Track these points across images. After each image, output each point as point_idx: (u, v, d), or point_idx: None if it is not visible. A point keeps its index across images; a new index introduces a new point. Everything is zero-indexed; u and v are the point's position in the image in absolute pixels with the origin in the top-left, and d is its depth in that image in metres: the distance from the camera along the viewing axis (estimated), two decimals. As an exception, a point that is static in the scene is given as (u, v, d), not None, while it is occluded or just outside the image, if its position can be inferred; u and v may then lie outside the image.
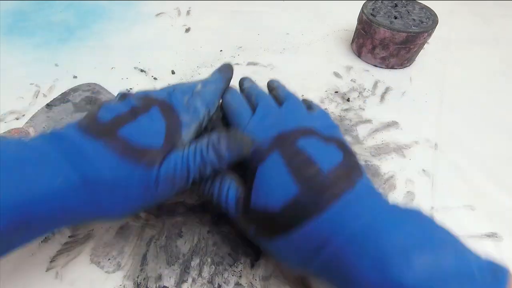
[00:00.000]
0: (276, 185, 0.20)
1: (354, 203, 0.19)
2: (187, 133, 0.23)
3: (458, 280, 0.16)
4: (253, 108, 0.26)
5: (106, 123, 0.21)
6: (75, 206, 0.19)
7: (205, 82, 0.27)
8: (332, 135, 0.23)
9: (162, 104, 0.23)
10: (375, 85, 0.44)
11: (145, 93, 0.24)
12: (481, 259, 0.17)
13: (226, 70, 0.29)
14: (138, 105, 0.23)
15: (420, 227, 0.18)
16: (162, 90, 0.26)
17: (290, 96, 0.27)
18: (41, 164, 0.18)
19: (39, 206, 0.17)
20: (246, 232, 0.23)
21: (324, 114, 0.27)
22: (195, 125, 0.24)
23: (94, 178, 0.19)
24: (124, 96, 0.24)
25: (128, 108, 0.22)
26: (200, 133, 0.25)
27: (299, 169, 0.20)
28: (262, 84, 0.43)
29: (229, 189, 0.22)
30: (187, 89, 0.26)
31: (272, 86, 0.30)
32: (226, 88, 0.29)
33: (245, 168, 0.23)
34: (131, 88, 0.41)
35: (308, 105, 0.28)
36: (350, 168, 0.21)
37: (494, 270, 0.17)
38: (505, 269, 0.17)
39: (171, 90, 0.26)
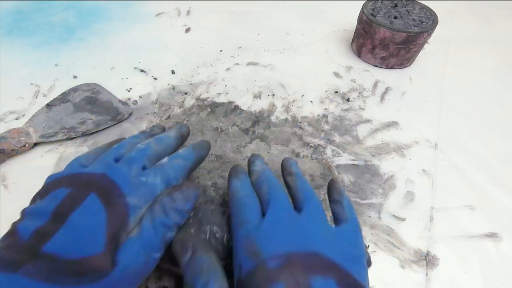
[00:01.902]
0: None
1: None
2: (135, 220, 0.19)
3: None
4: (263, 203, 0.22)
5: (26, 242, 0.16)
6: None
7: (173, 155, 0.23)
8: (353, 275, 0.18)
9: (101, 185, 0.19)
10: (375, 85, 0.44)
11: (79, 172, 0.20)
12: None
13: (201, 148, 0.25)
14: (66, 199, 0.18)
15: None
16: (106, 155, 0.21)
17: (310, 198, 0.22)
18: None
19: None
20: None
21: (352, 231, 0.21)
22: (146, 206, 0.19)
23: None
24: (47, 188, 0.19)
25: (53, 207, 0.18)
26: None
27: None
28: (262, 84, 0.43)
29: None
30: (138, 156, 0.21)
31: (289, 170, 0.25)
32: (195, 168, 0.25)
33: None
34: (131, 88, 0.41)
35: (336, 209, 0.22)
36: None
37: None
38: None
39: (111, 160, 0.21)
